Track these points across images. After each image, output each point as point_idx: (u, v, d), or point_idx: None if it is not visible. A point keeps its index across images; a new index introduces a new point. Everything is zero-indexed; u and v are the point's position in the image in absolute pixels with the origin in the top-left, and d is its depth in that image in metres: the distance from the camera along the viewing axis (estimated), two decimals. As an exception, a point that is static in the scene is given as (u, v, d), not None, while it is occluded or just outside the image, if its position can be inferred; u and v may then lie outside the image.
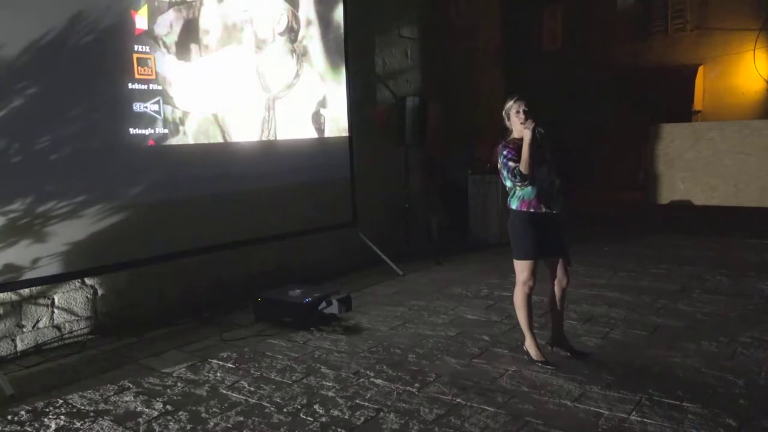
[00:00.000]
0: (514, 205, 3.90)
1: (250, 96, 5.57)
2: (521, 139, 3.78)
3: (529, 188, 3.82)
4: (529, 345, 4.00)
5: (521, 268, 3.92)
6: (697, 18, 13.80)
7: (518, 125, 3.84)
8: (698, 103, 13.75)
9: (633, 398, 3.38)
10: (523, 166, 3.73)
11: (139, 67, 4.67)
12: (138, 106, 4.68)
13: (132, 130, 4.66)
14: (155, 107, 4.76)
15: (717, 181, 9.06)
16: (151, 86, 4.76)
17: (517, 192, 3.88)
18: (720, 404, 3.27)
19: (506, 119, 3.94)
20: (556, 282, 4.01)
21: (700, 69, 13.73)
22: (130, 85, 4.63)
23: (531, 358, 3.97)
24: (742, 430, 3.02)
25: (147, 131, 4.75)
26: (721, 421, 3.09)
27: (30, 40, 4.09)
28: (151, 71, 4.73)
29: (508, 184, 3.88)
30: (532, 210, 3.84)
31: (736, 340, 4.27)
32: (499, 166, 3.88)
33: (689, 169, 9.27)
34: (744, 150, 8.85)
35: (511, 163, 3.78)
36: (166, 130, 4.88)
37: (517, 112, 3.84)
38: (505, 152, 3.83)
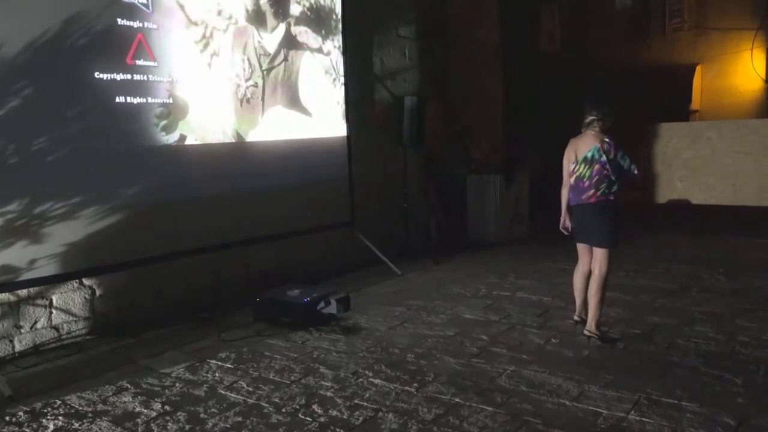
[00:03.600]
0: (615, 196, 4.27)
1: (249, 96, 5.56)
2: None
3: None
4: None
5: (609, 256, 4.28)
6: (694, 17, 13.81)
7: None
8: (696, 103, 13.75)
9: (631, 397, 3.38)
10: None
11: None
12: None
13: (120, 21, 4.58)
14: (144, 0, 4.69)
15: (715, 180, 9.07)
16: None
17: (615, 184, 4.24)
18: (718, 403, 3.28)
19: (608, 119, 4.30)
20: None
21: (698, 68, 13.74)
22: None
23: (601, 334, 4.33)
24: (740, 429, 3.02)
25: (135, 24, 4.67)
26: (719, 420, 3.10)
27: (28, 37, 4.08)
28: None
29: (612, 177, 4.22)
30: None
31: (734, 339, 4.28)
32: (614, 157, 4.20)
33: (687, 168, 9.28)
34: (742, 149, 8.87)
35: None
36: (155, 26, 4.79)
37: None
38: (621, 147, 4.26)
